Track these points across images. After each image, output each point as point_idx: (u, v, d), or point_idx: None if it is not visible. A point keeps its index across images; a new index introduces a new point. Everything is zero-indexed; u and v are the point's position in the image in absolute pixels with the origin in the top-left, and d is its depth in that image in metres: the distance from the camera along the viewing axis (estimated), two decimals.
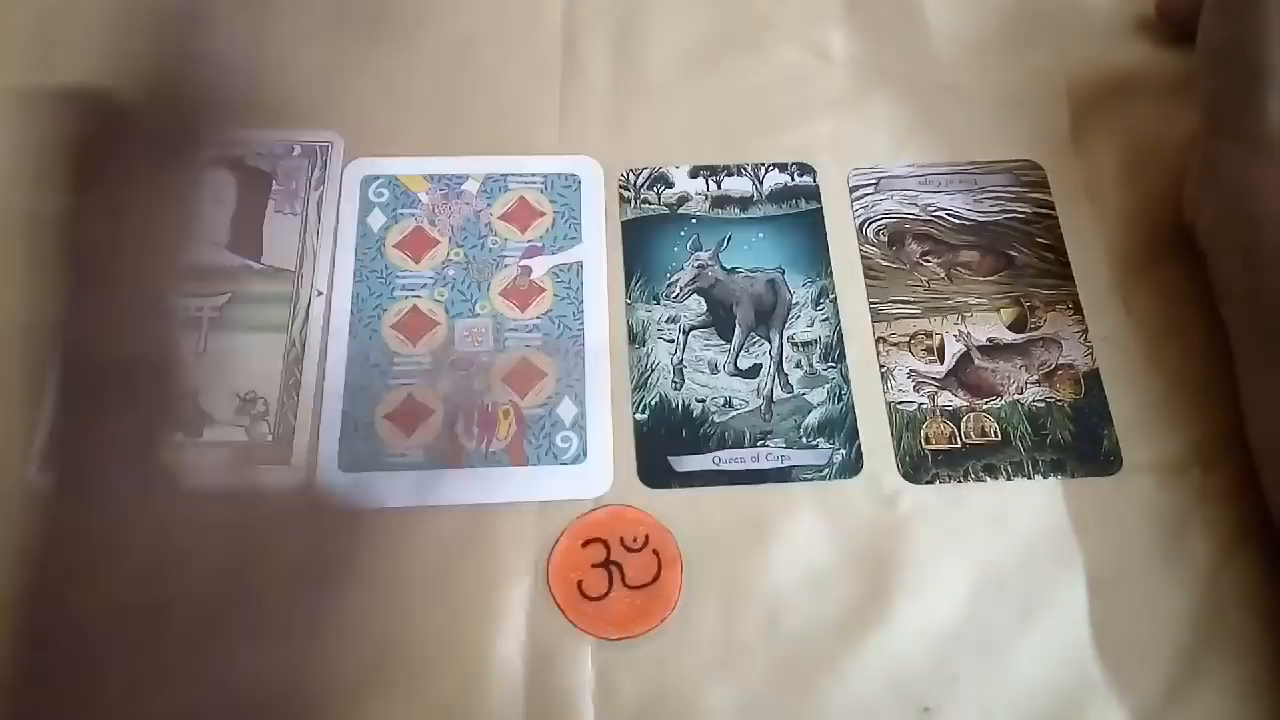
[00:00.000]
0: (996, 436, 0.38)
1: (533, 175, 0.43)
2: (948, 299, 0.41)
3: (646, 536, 0.36)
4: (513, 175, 0.43)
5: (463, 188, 0.43)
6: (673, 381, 0.39)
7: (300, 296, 0.40)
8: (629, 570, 0.36)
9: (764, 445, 0.38)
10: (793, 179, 0.43)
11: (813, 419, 0.39)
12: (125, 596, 0.31)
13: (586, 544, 0.36)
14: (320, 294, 0.40)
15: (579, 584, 0.35)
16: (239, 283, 0.40)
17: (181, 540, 0.32)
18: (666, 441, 0.38)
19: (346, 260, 0.41)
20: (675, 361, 0.40)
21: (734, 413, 0.39)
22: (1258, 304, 0.36)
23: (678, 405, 0.39)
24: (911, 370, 0.40)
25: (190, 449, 0.37)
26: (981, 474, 0.38)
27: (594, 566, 0.36)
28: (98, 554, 0.31)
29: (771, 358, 0.40)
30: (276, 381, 0.38)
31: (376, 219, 0.42)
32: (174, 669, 0.31)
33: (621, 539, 0.36)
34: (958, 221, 0.43)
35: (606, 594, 0.35)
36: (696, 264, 0.41)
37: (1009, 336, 0.40)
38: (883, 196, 0.43)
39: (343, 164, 0.43)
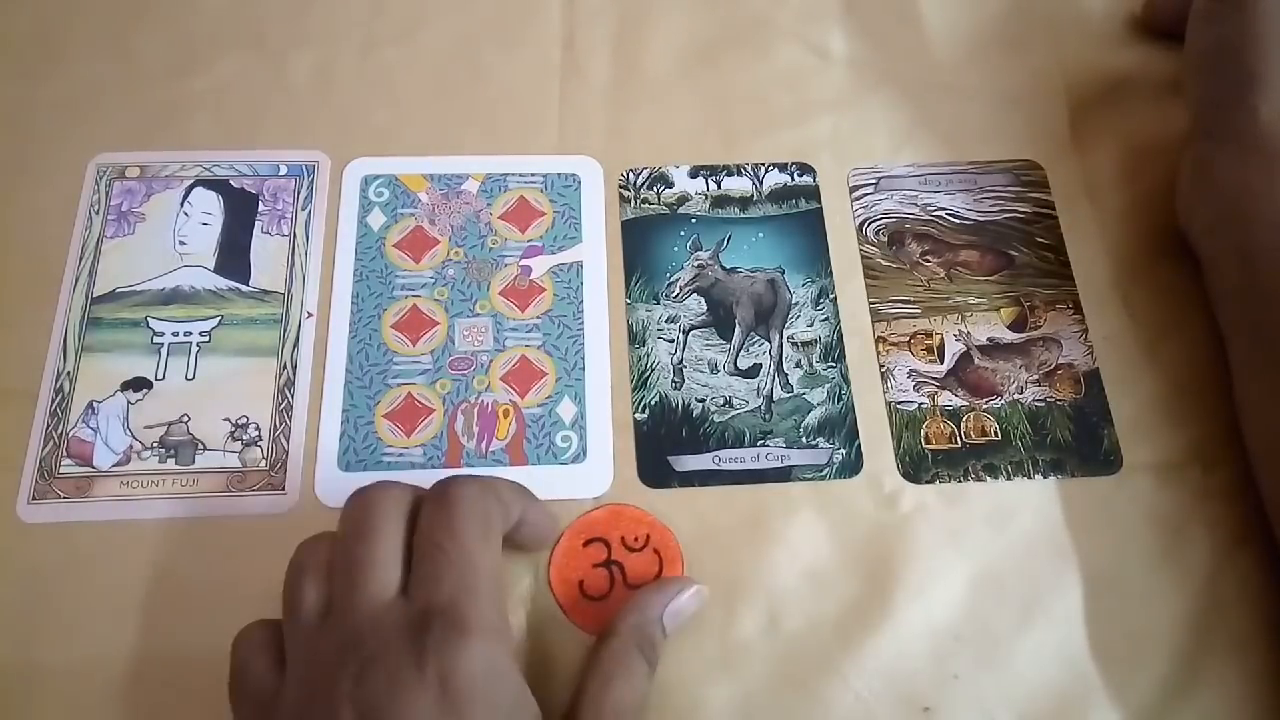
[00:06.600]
0: (996, 436, 0.38)
1: (533, 175, 0.43)
2: (948, 299, 0.41)
3: (647, 536, 0.36)
4: (513, 175, 0.43)
5: (463, 187, 0.43)
6: (673, 381, 0.39)
7: (290, 318, 0.39)
8: (630, 570, 0.36)
9: (764, 445, 0.38)
10: (793, 179, 0.43)
11: (813, 419, 0.39)
12: None
13: (587, 543, 0.36)
14: (310, 315, 0.39)
15: (580, 583, 0.35)
16: (227, 306, 0.40)
17: None
18: (666, 441, 0.38)
19: (346, 260, 0.41)
20: (675, 361, 0.40)
21: (734, 412, 0.39)
22: (1251, 305, 0.36)
23: (678, 405, 0.39)
24: (911, 370, 0.40)
25: (184, 476, 0.36)
26: (981, 473, 0.38)
27: (595, 566, 0.36)
28: None
29: (771, 357, 0.40)
30: (269, 406, 0.38)
31: (376, 219, 0.42)
32: None
33: (622, 538, 0.36)
34: (958, 221, 0.43)
35: (608, 593, 0.35)
36: (696, 264, 0.41)
37: (1009, 336, 0.40)
38: (883, 196, 0.43)
39: (329, 182, 0.42)
